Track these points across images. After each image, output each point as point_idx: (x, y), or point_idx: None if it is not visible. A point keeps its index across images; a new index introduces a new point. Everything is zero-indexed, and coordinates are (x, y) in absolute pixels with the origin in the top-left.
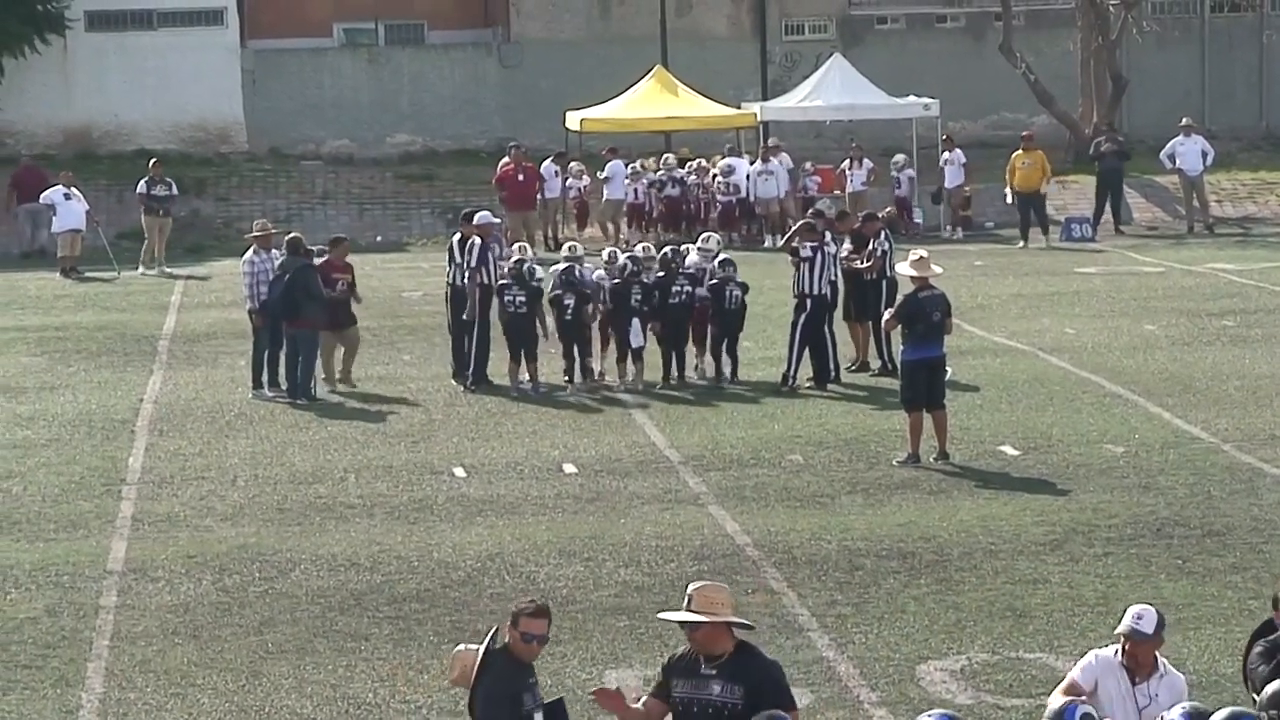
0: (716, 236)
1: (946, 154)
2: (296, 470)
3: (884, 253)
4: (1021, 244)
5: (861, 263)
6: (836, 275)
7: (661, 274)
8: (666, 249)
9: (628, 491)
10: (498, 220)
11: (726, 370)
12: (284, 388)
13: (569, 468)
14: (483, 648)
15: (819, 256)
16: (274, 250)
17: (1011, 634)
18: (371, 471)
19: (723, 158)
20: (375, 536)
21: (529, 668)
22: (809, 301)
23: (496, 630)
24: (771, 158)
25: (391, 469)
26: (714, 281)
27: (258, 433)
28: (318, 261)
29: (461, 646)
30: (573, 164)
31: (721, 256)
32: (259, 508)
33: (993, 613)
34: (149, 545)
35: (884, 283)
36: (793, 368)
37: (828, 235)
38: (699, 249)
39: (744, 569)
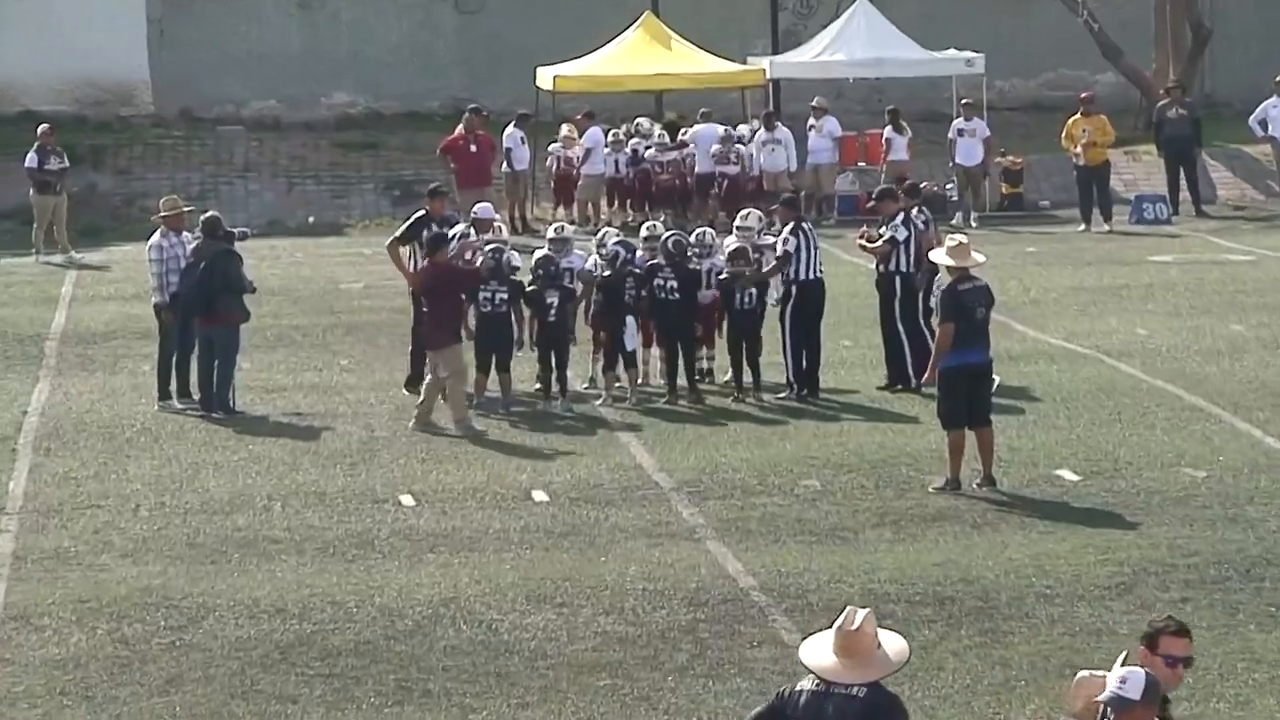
0: (758, 214)
1: (961, 123)
2: (211, 497)
3: (900, 240)
4: (1083, 227)
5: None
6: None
7: (662, 263)
8: (673, 234)
9: (609, 524)
10: (496, 217)
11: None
12: (196, 398)
13: (539, 495)
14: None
15: (800, 237)
16: (185, 233)
17: None
18: (301, 499)
19: (692, 125)
20: (305, 578)
21: (1164, 698)
22: (794, 289)
23: (1126, 655)
24: (821, 124)
25: (325, 496)
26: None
27: (165, 452)
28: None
29: (1085, 673)
30: (563, 127)
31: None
32: (165, 542)
33: (1048, 670)
34: (33, 587)
35: (897, 278)
36: (789, 371)
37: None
38: (738, 228)
39: (748, 617)
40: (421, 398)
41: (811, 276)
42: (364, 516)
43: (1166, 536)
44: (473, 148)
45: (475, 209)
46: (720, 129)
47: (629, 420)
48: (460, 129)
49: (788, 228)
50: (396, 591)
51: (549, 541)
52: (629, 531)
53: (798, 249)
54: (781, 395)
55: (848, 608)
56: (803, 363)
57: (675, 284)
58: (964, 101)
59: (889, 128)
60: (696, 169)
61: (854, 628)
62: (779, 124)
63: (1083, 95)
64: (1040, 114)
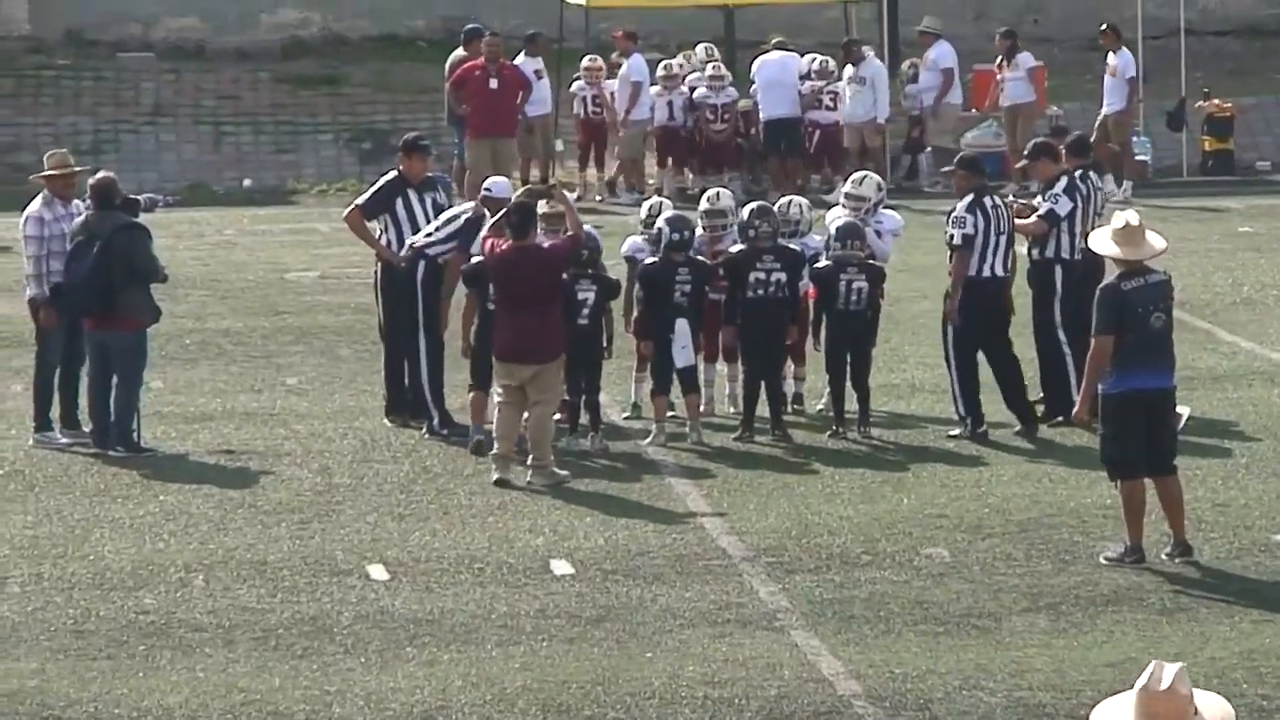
0: (877, 179)
1: (1110, 59)
2: (108, 567)
3: (1062, 215)
4: None
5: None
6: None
7: (741, 247)
8: (751, 205)
9: (657, 606)
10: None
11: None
12: (88, 429)
13: (560, 566)
14: None
15: (979, 215)
16: (77, 201)
17: None
18: (231, 571)
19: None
20: (236, 679)
21: None
22: (962, 289)
23: None
24: (927, 54)
25: (265, 567)
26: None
27: (44, 504)
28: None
29: None
30: (594, 60)
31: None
32: (44, 629)
33: None
34: None
35: (1057, 268)
36: (960, 403)
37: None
38: (848, 196)
39: None
40: (498, 433)
41: (991, 272)
42: (318, 595)
43: None
44: (493, 82)
45: (489, 185)
46: (807, 61)
47: (686, 464)
48: (466, 56)
49: (964, 202)
50: (363, 699)
51: (574, 630)
52: (685, 617)
53: (974, 232)
54: (954, 434)
55: (1153, 663)
56: (974, 390)
57: (784, 276)
58: (1102, 26)
59: (1000, 57)
60: (763, 115)
61: (1162, 688)
62: (867, 55)
63: None
64: (1259, 41)
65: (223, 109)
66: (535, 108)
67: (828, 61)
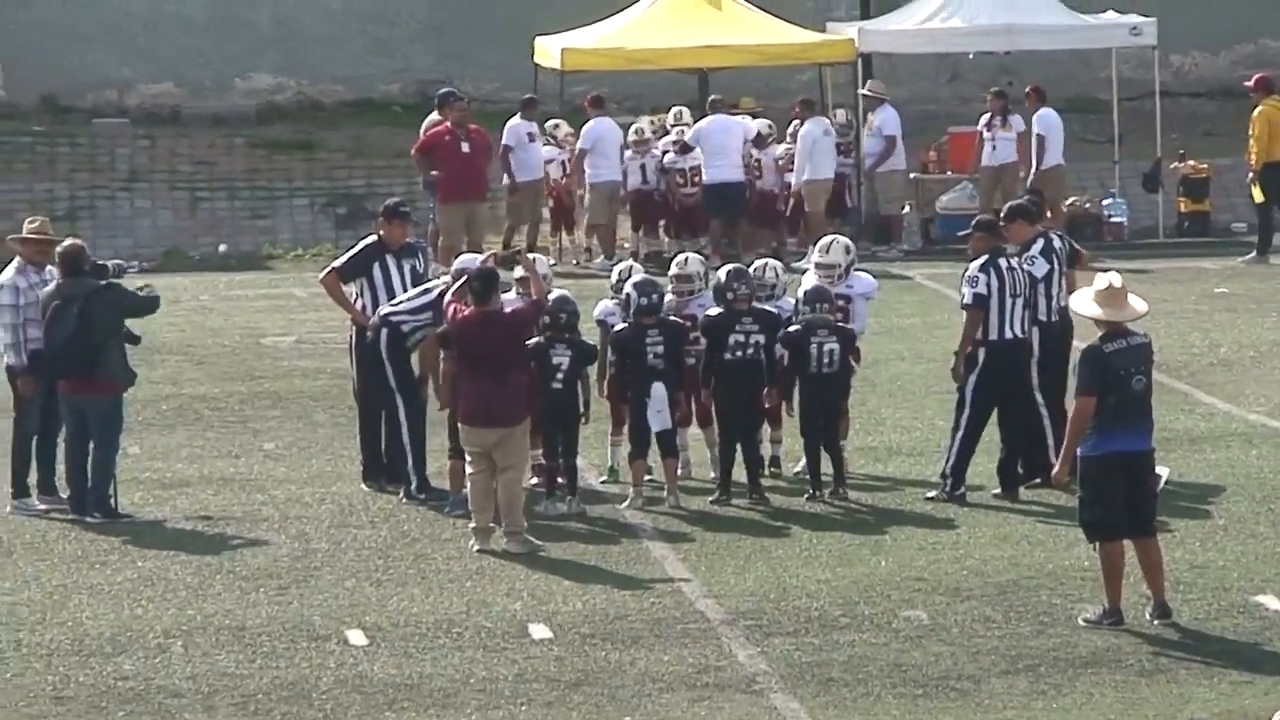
0: (845, 242)
1: (993, 120)
2: (86, 634)
3: (1039, 277)
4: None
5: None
6: (1046, 309)
7: (720, 311)
8: (727, 268)
9: (636, 670)
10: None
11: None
12: (65, 495)
13: (539, 630)
14: None
15: (994, 276)
16: (52, 268)
17: None
18: (210, 636)
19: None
20: None
21: None
22: (982, 353)
23: None
24: (871, 118)
25: (243, 632)
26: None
27: (21, 571)
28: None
29: None
30: (559, 125)
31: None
32: (23, 695)
33: None
34: None
35: (1035, 329)
36: (949, 462)
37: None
38: (818, 264)
39: None
40: (474, 505)
41: (1013, 334)
42: (297, 660)
43: None
44: (464, 146)
45: (462, 264)
46: (750, 124)
47: (663, 527)
48: (440, 120)
49: (978, 262)
50: None
51: (553, 694)
52: (664, 681)
53: (986, 293)
54: (931, 496)
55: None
56: (970, 455)
57: (763, 339)
58: (994, 91)
59: (990, 115)
60: (705, 179)
61: None
62: (811, 117)
63: (1256, 78)
64: (1234, 103)
65: (198, 174)
66: (528, 172)
67: (833, 123)
